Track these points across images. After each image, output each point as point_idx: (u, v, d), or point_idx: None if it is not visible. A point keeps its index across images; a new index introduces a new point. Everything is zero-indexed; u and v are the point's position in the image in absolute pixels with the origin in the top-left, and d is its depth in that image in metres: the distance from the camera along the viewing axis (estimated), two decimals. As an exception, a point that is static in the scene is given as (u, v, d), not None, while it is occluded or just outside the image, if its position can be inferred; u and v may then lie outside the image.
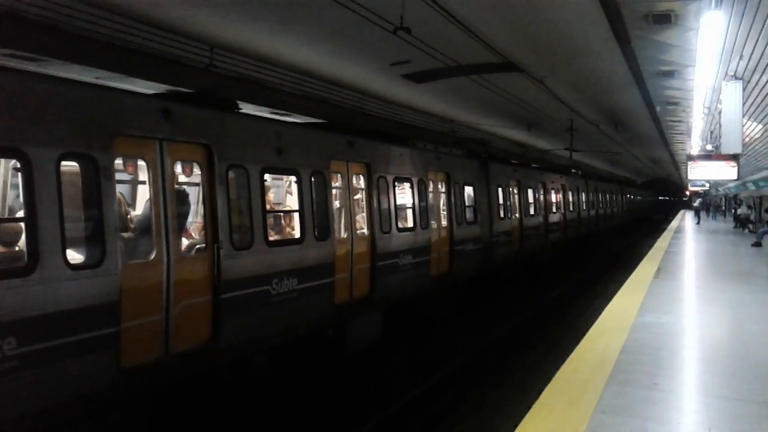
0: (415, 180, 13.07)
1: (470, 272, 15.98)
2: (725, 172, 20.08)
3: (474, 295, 16.74)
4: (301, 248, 9.36)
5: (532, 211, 22.10)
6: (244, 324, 8.12)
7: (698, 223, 41.22)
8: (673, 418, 5.76)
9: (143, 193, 7.67)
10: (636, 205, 60.02)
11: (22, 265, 5.68)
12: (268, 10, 10.85)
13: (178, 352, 7.18)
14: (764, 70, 11.34)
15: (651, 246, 24.75)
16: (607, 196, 39.64)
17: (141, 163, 7.30)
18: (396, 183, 12.33)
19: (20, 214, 6.12)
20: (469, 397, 10.37)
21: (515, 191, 20.49)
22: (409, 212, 12.92)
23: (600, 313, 10.12)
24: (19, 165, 5.81)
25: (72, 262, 6.06)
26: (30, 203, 5.74)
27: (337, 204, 10.64)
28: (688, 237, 30.01)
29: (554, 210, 25.40)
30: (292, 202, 9.92)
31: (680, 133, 29.61)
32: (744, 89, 12.20)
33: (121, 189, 7.35)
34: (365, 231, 11.32)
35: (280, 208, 10.25)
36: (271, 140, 9.00)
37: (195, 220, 8.18)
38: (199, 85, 10.74)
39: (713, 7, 8.92)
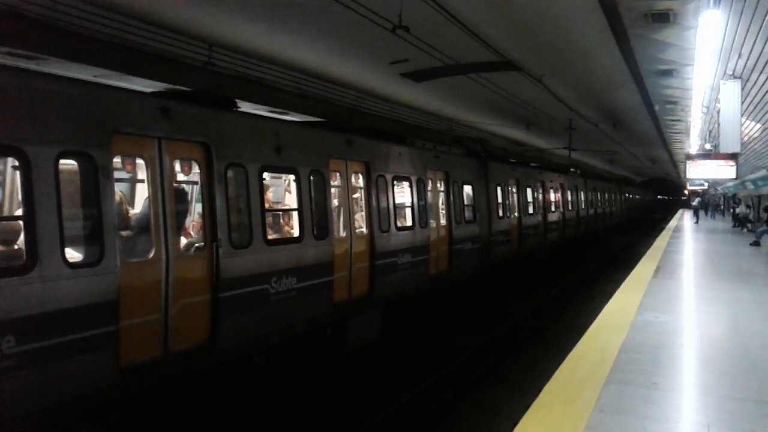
0: (413, 179, 13.06)
1: (469, 271, 15.98)
2: (724, 171, 20.10)
3: (473, 295, 16.74)
4: (300, 247, 9.35)
5: (530, 210, 22.11)
6: (243, 323, 8.11)
7: (697, 222, 41.27)
8: (672, 416, 5.76)
9: (142, 192, 7.66)
10: (635, 204, 60.06)
11: (20, 264, 5.67)
12: (267, 9, 10.84)
13: (176, 351, 7.18)
14: (763, 69, 11.34)
15: (650, 245, 24.75)
16: (606, 195, 39.66)
17: (139, 161, 7.29)
18: (395, 182, 12.32)
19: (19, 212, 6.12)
20: (468, 396, 10.37)
21: (514, 190, 20.50)
22: (408, 211, 12.92)
23: (599, 312, 10.13)
24: (17, 163, 5.80)
25: (71, 260, 6.05)
26: (28, 201, 5.72)
27: (335, 203, 10.63)
28: (687, 236, 30.04)
29: (553, 209, 25.41)
30: (291, 200, 9.91)
31: (679, 132, 29.62)
32: (742, 88, 12.19)
33: (120, 187, 7.34)
34: (364, 230, 11.31)
35: (279, 206, 10.24)
36: (270, 139, 8.99)
37: (194, 218, 8.17)
38: (197, 84, 10.75)
39: (712, 5, 8.91)
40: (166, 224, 7.13)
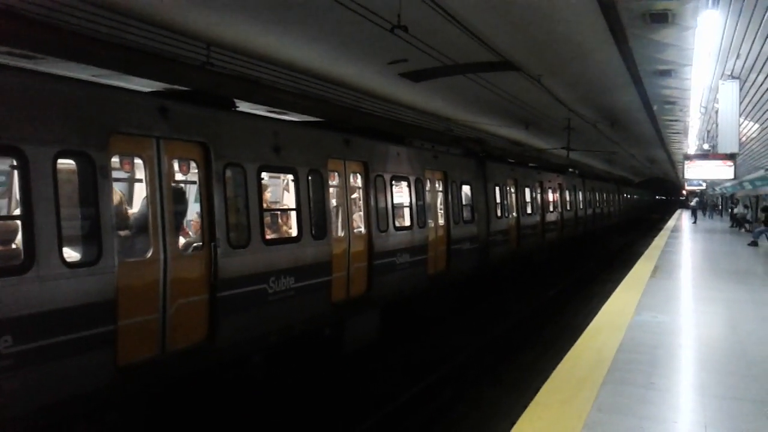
0: (412, 179, 13.07)
1: (467, 271, 15.99)
2: (722, 171, 20.12)
3: (471, 294, 16.74)
4: (298, 247, 9.35)
5: (529, 210, 22.12)
6: (241, 323, 8.11)
7: (695, 222, 41.33)
8: (670, 416, 5.76)
9: (140, 192, 7.65)
10: (633, 204, 60.10)
11: (18, 263, 5.67)
12: (266, 9, 10.84)
13: (174, 350, 7.17)
14: (761, 69, 11.35)
15: (648, 245, 24.77)
16: (604, 195, 39.70)
17: (138, 161, 7.28)
18: (393, 182, 12.32)
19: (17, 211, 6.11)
20: (466, 396, 10.37)
21: (512, 190, 20.50)
22: (407, 211, 12.92)
23: (597, 312, 10.13)
24: (15, 163, 5.80)
25: (68, 260, 6.05)
26: (26, 201, 5.72)
27: (334, 203, 10.63)
28: (685, 236, 30.07)
29: (551, 209, 25.42)
30: (290, 200, 9.91)
31: (677, 133, 29.65)
32: (741, 88, 12.20)
33: (118, 187, 7.34)
34: (362, 230, 11.31)
35: (278, 206, 10.24)
36: (269, 139, 8.99)
37: (192, 218, 8.16)
38: (196, 84, 10.76)
39: (710, 6, 8.91)
40: (164, 224, 7.13)
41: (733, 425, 5.49)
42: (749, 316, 10.17)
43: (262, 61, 12.82)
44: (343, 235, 10.70)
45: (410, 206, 12.95)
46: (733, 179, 24.97)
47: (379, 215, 11.57)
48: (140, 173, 7.37)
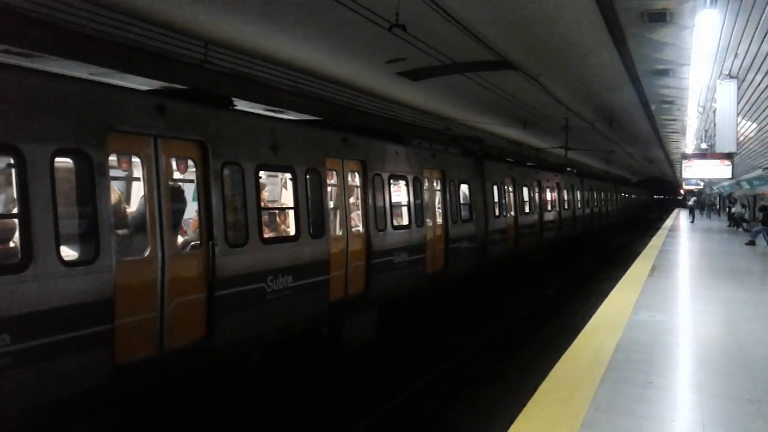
0: (410, 178, 13.06)
1: (465, 270, 15.99)
2: (720, 170, 20.13)
3: (469, 294, 16.74)
4: (296, 245, 9.34)
5: (527, 210, 22.12)
6: (239, 321, 8.10)
7: (693, 221, 41.37)
8: (667, 416, 5.77)
9: (138, 190, 7.64)
10: (631, 203, 60.14)
11: (15, 262, 5.65)
12: (264, 7, 10.83)
13: (172, 349, 7.16)
14: (759, 68, 11.36)
15: (645, 244, 24.80)
16: (602, 194, 39.72)
17: (135, 159, 7.27)
18: (391, 180, 12.32)
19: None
20: (464, 395, 10.37)
21: (510, 189, 20.51)
22: (405, 210, 12.91)
23: (595, 312, 10.14)
24: (12, 161, 5.78)
25: (66, 258, 6.04)
26: (24, 200, 5.71)
27: (332, 201, 10.62)
28: (683, 236, 30.11)
29: (549, 208, 25.42)
30: (287, 199, 9.90)
31: (675, 132, 29.69)
32: (738, 88, 12.21)
33: (116, 186, 7.32)
34: (360, 228, 11.31)
35: (275, 205, 10.23)
36: (266, 137, 8.98)
37: (190, 217, 8.15)
38: (194, 82, 10.74)
39: (708, 5, 8.92)
40: (162, 223, 7.12)
41: (730, 424, 5.50)
42: (747, 315, 10.18)
43: (260, 59, 12.81)
44: (341, 234, 10.69)
45: (408, 205, 12.94)
46: (730, 179, 24.99)
47: (377, 214, 11.56)
48: (138, 172, 7.35)
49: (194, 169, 7.78)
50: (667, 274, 15.08)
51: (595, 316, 9.78)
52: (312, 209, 9.76)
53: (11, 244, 6.01)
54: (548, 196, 25.44)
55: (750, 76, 12.11)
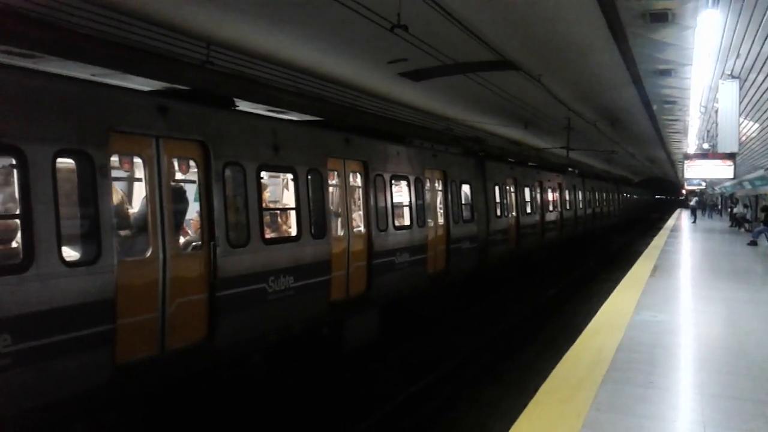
0: (411, 178, 13.06)
1: (467, 270, 15.99)
2: (721, 171, 20.10)
3: (470, 294, 16.74)
4: (298, 246, 9.34)
5: (528, 210, 22.11)
6: (240, 322, 8.10)
7: (694, 221, 41.33)
8: (669, 416, 5.77)
9: (139, 191, 7.65)
10: (632, 203, 60.09)
11: (17, 262, 5.66)
12: (266, 7, 10.83)
13: (173, 349, 7.17)
14: (761, 68, 11.34)
15: (647, 244, 24.79)
16: (604, 194, 39.70)
17: (137, 160, 7.28)
18: (393, 181, 12.32)
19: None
20: (465, 395, 10.37)
21: (512, 189, 20.50)
22: (406, 210, 12.92)
23: (596, 312, 10.14)
24: (15, 162, 5.79)
25: (68, 259, 6.05)
26: (26, 200, 5.72)
27: (333, 202, 10.63)
28: (685, 236, 30.08)
29: (551, 208, 25.41)
30: (289, 199, 9.91)
31: (677, 132, 29.64)
32: (741, 88, 12.19)
33: (117, 186, 7.33)
34: (362, 229, 11.31)
35: (277, 205, 10.24)
36: (268, 138, 8.99)
37: (191, 217, 8.16)
38: (195, 82, 10.75)
39: (710, 5, 8.91)
40: (164, 223, 7.12)
41: (731, 424, 5.50)
42: (749, 316, 10.17)
43: (261, 60, 12.80)
44: (342, 234, 10.69)
45: (410, 205, 12.94)
46: (732, 179, 24.96)
47: (378, 214, 11.57)
48: (139, 172, 7.37)
49: (196, 170, 7.79)
50: (668, 274, 15.07)
51: (596, 316, 9.78)
52: (313, 210, 9.76)
53: (13, 245, 6.03)
54: (550, 196, 25.42)
55: (752, 76, 12.09)
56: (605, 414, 5.60)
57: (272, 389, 9.32)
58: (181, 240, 7.75)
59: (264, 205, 8.97)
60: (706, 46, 11.06)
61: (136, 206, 7.70)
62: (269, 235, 9.04)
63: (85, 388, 6.16)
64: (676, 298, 11.95)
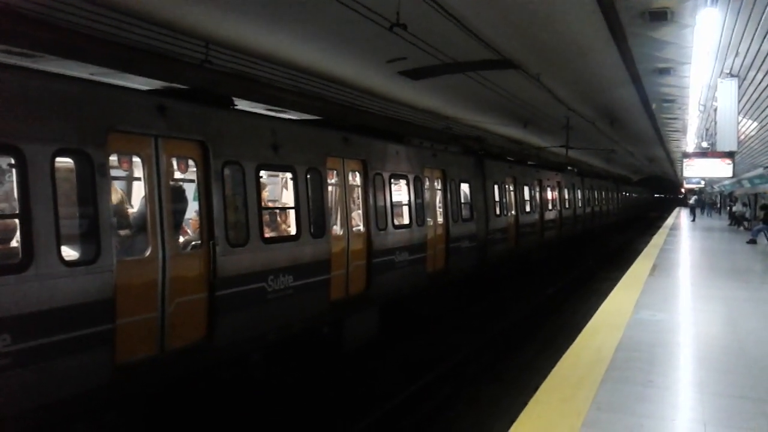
0: (411, 177, 13.06)
1: (466, 269, 15.99)
2: (720, 169, 20.09)
3: (470, 293, 16.74)
4: (297, 245, 9.34)
5: (527, 209, 22.11)
6: (239, 321, 8.10)
7: (693, 220, 41.35)
8: (668, 414, 5.77)
9: (138, 190, 7.64)
10: (632, 202, 60.13)
11: (16, 262, 5.65)
12: (265, 7, 10.82)
13: (173, 349, 7.16)
14: (760, 67, 11.34)
15: (646, 243, 24.79)
16: (603, 193, 39.71)
17: (136, 159, 7.27)
18: (392, 180, 12.31)
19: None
20: (465, 394, 10.37)
21: (511, 188, 20.51)
22: (405, 209, 12.91)
23: (595, 311, 10.13)
24: (14, 161, 5.78)
25: (67, 258, 6.04)
26: (25, 200, 5.71)
27: (333, 201, 10.62)
28: (684, 234, 30.09)
29: (550, 207, 25.42)
30: (288, 198, 9.90)
31: (676, 131, 29.65)
32: (739, 86, 12.20)
33: (116, 186, 7.32)
34: (361, 228, 11.30)
35: (276, 204, 10.23)
36: (267, 137, 8.98)
37: (191, 216, 8.15)
38: (194, 82, 10.74)
39: (709, 4, 8.92)
40: (163, 222, 7.12)
41: (731, 423, 5.50)
42: (748, 314, 10.18)
43: (260, 59, 12.80)
44: (341, 233, 10.69)
45: (409, 204, 12.94)
46: (731, 177, 24.96)
47: (377, 213, 11.56)
48: (139, 172, 7.36)
49: (195, 169, 7.78)
50: (668, 273, 15.07)
51: (596, 315, 9.78)
52: (313, 209, 9.76)
53: (12, 244, 6.02)
54: (549, 195, 25.43)
55: (751, 74, 12.09)
56: (605, 413, 5.60)
57: (272, 389, 9.32)
58: (181, 239, 7.75)
59: (263, 204, 8.97)
60: (705, 44, 11.07)
61: (135, 206, 7.69)
62: (269, 234, 9.04)
63: (84, 388, 6.15)
64: (675, 296, 11.95)
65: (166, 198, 7.22)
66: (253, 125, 9.00)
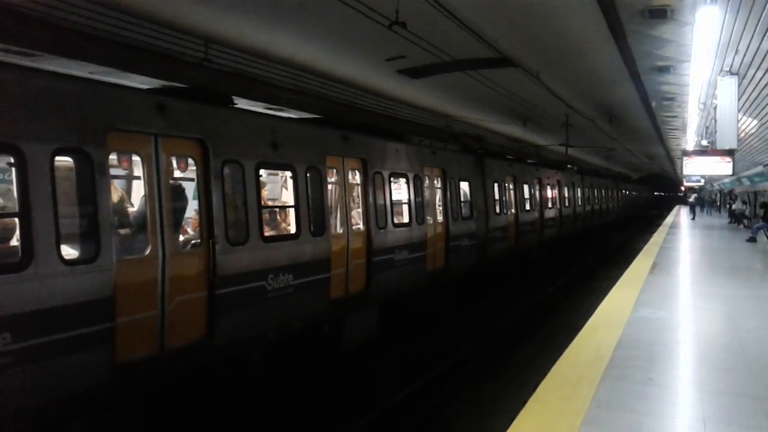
0: (410, 175, 13.06)
1: (466, 268, 15.99)
2: (720, 167, 20.07)
3: (470, 291, 16.74)
4: (297, 244, 9.34)
5: (527, 207, 22.12)
6: (239, 320, 8.10)
7: (693, 218, 41.35)
8: (668, 412, 5.77)
9: (138, 189, 7.64)
10: (631, 200, 60.13)
11: (16, 261, 5.65)
12: (264, 5, 10.80)
13: (173, 348, 7.17)
14: (759, 65, 11.33)
15: (646, 241, 24.80)
16: (603, 191, 39.72)
17: (136, 158, 7.27)
18: (392, 178, 12.31)
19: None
20: (464, 392, 10.38)
21: (511, 187, 20.51)
22: (405, 208, 12.92)
23: (595, 309, 10.14)
24: (13, 160, 5.78)
25: (66, 257, 6.04)
26: (24, 199, 5.71)
27: (332, 199, 10.62)
28: (684, 232, 30.09)
29: (550, 206, 25.42)
30: (288, 197, 9.90)
31: (675, 129, 29.63)
32: (739, 85, 12.20)
33: (116, 184, 7.32)
34: (361, 226, 11.30)
35: (276, 203, 10.23)
36: (267, 135, 8.98)
37: (190, 215, 8.15)
38: (194, 80, 10.73)
39: (709, 2, 8.91)
40: (163, 221, 7.12)
41: (731, 421, 5.50)
42: (748, 312, 10.18)
43: (260, 57, 12.78)
44: (341, 232, 10.69)
45: (409, 203, 12.95)
46: (731, 175, 24.96)
47: (377, 212, 11.56)
48: (138, 170, 7.36)
49: (194, 168, 7.78)
50: (667, 271, 15.08)
51: (595, 313, 9.78)
52: (312, 207, 9.76)
53: (12, 243, 6.02)
54: (549, 193, 25.44)
55: (750, 72, 12.09)
56: (605, 411, 5.60)
57: (271, 387, 9.32)
58: (180, 238, 7.75)
59: (263, 202, 8.97)
60: (704, 42, 11.07)
61: (135, 204, 7.69)
62: (268, 232, 9.04)
63: (84, 386, 6.15)
64: (675, 294, 11.96)
65: (166, 197, 7.22)
66: (252, 124, 9.00)
